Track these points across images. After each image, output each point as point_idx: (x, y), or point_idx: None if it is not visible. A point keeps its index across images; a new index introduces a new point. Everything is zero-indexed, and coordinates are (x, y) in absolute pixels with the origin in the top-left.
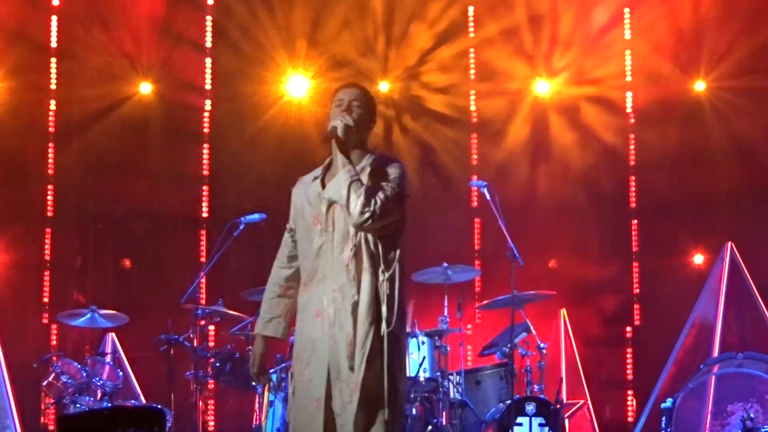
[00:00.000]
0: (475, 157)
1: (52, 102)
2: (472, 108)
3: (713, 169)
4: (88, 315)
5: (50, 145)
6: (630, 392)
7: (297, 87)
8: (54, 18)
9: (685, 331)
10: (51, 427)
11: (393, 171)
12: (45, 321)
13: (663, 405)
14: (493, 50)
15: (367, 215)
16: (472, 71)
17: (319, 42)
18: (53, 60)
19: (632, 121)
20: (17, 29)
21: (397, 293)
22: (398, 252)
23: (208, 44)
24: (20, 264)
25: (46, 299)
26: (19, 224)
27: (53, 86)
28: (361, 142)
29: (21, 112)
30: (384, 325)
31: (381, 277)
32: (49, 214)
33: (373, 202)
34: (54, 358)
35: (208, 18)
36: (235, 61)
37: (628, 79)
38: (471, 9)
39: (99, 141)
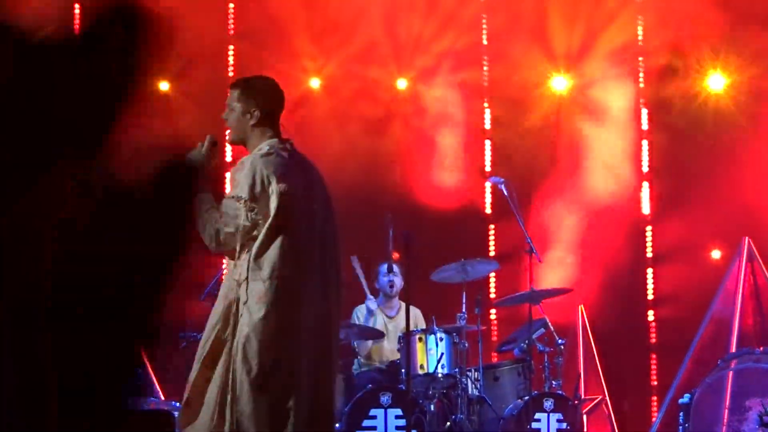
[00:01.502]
0: (489, 154)
1: None
2: (485, 105)
3: (731, 161)
4: None
5: None
6: (648, 388)
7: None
8: None
9: (702, 326)
10: None
11: (238, 178)
12: None
13: (681, 400)
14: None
15: (213, 246)
16: (485, 69)
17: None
18: None
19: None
20: None
21: (255, 291)
22: (256, 251)
23: None
24: None
25: None
26: None
27: None
28: (242, 140)
29: None
30: (237, 338)
31: (236, 278)
32: None
33: (212, 235)
34: None
35: None
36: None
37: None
38: None
39: None
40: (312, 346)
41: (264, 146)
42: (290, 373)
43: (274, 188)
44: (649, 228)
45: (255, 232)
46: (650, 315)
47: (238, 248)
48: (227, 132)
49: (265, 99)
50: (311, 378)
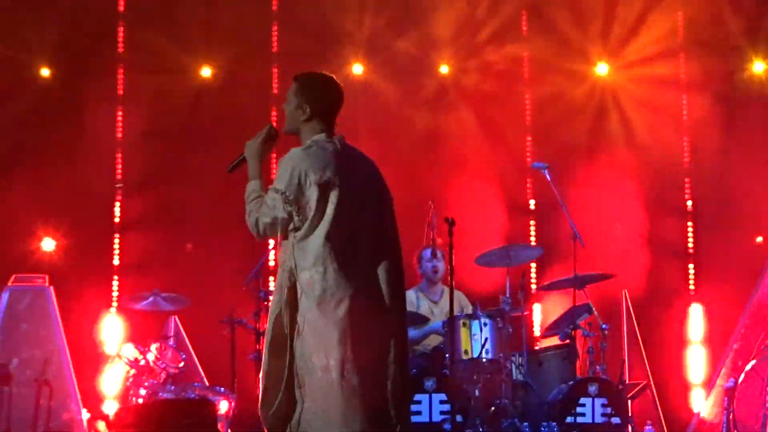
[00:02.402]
0: (529, 140)
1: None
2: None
3: None
4: (151, 298)
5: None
6: (692, 371)
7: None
8: None
9: (746, 311)
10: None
11: (279, 170)
12: (111, 305)
13: (726, 385)
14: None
15: (254, 233)
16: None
17: None
18: None
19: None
20: None
21: (304, 279)
22: (300, 242)
23: None
24: (85, 248)
25: (116, 290)
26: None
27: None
28: (293, 132)
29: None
30: (287, 312)
31: (286, 268)
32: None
33: (252, 224)
34: (117, 342)
35: None
36: None
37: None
38: None
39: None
40: (368, 333)
41: (309, 141)
42: (343, 354)
43: (312, 181)
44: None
45: (295, 224)
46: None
47: (279, 238)
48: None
49: (319, 96)
50: (373, 364)
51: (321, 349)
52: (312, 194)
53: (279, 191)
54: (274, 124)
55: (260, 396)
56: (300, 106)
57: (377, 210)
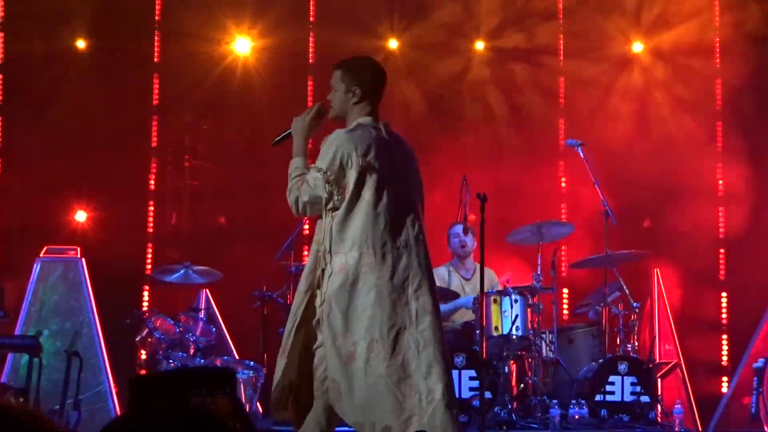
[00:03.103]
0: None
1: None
2: (561, 67)
3: None
4: (182, 271)
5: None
6: (722, 352)
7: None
8: None
9: None
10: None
11: (322, 150)
12: (141, 277)
13: (755, 365)
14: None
15: (294, 211)
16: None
17: None
18: None
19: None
20: None
21: (338, 262)
22: (338, 224)
23: None
24: (117, 220)
25: (149, 263)
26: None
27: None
28: (342, 118)
29: (127, 90)
30: (322, 307)
31: (321, 248)
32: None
33: (293, 202)
34: (147, 314)
35: None
36: None
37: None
38: None
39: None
40: (397, 322)
41: (355, 123)
42: (371, 340)
43: (354, 162)
44: (722, 210)
45: (334, 204)
46: (722, 279)
47: (323, 217)
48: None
49: (368, 78)
50: (401, 353)
51: (348, 334)
52: (352, 176)
53: (321, 170)
54: (310, 94)
55: (278, 374)
56: (350, 89)
57: (416, 198)
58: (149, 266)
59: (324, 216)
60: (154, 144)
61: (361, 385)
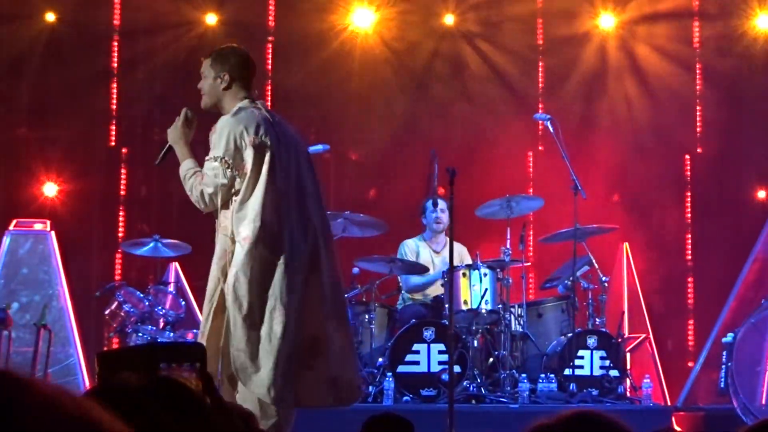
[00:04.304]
0: (541, 85)
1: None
2: (539, 41)
3: None
4: (152, 244)
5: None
6: (691, 325)
7: (362, 18)
8: None
9: (747, 266)
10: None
11: (212, 140)
12: (110, 250)
13: (724, 339)
14: None
15: (202, 207)
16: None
17: None
18: None
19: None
20: None
21: (243, 235)
22: (239, 203)
23: None
24: (87, 194)
25: (121, 233)
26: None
27: (116, 21)
28: (216, 105)
29: (84, 47)
30: (227, 280)
31: (227, 232)
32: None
33: (198, 198)
34: (117, 287)
35: None
36: None
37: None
38: None
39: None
40: (300, 284)
41: (235, 108)
42: (276, 308)
43: (247, 142)
44: (688, 157)
45: (236, 187)
46: (690, 256)
47: (220, 204)
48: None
49: (235, 63)
50: (300, 313)
51: (252, 291)
52: (248, 156)
53: (218, 158)
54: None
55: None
56: (218, 75)
57: (304, 168)
58: (121, 234)
59: (226, 202)
60: (112, 106)
61: (254, 342)
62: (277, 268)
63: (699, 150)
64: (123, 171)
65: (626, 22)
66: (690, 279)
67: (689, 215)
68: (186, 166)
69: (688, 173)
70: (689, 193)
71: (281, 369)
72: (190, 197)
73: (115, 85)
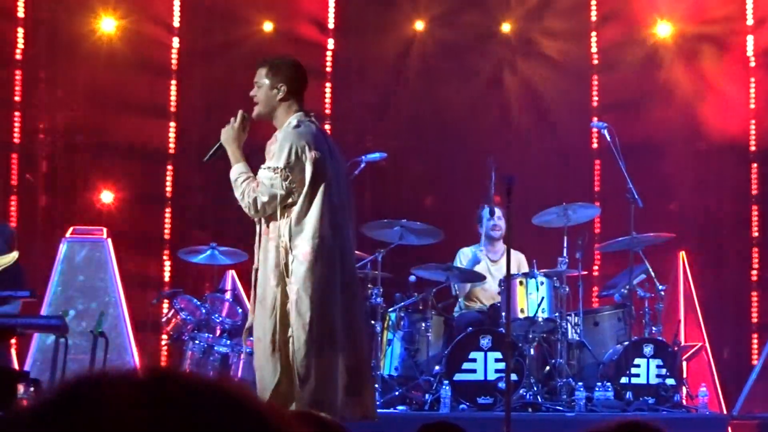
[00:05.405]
0: (596, 98)
1: (175, 39)
2: (593, 50)
3: None
4: (208, 252)
5: (172, 81)
6: (753, 336)
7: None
8: None
9: None
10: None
11: (273, 151)
12: (165, 258)
13: None
14: None
15: (252, 214)
16: (594, 13)
17: None
18: None
19: (752, 65)
20: None
21: (301, 251)
22: (297, 216)
23: None
24: (141, 200)
25: (167, 236)
26: (141, 160)
27: (176, 23)
28: (269, 115)
29: (142, 47)
30: (290, 297)
31: (280, 243)
32: (171, 151)
33: (250, 203)
34: (173, 295)
35: None
36: None
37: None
38: None
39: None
40: (345, 299)
41: (293, 120)
42: (332, 326)
43: (308, 157)
44: (755, 167)
45: (291, 199)
46: (754, 264)
47: (278, 215)
48: (254, 108)
49: (291, 75)
50: (347, 330)
51: (313, 309)
52: (308, 170)
53: (277, 169)
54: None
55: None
56: (274, 86)
57: (348, 184)
58: (176, 240)
59: (279, 212)
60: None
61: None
62: (335, 284)
63: (756, 164)
64: (174, 176)
65: (683, 32)
66: (753, 288)
67: (756, 229)
68: (238, 169)
69: (755, 185)
70: (755, 206)
71: (343, 383)
72: (239, 201)
73: (173, 87)
